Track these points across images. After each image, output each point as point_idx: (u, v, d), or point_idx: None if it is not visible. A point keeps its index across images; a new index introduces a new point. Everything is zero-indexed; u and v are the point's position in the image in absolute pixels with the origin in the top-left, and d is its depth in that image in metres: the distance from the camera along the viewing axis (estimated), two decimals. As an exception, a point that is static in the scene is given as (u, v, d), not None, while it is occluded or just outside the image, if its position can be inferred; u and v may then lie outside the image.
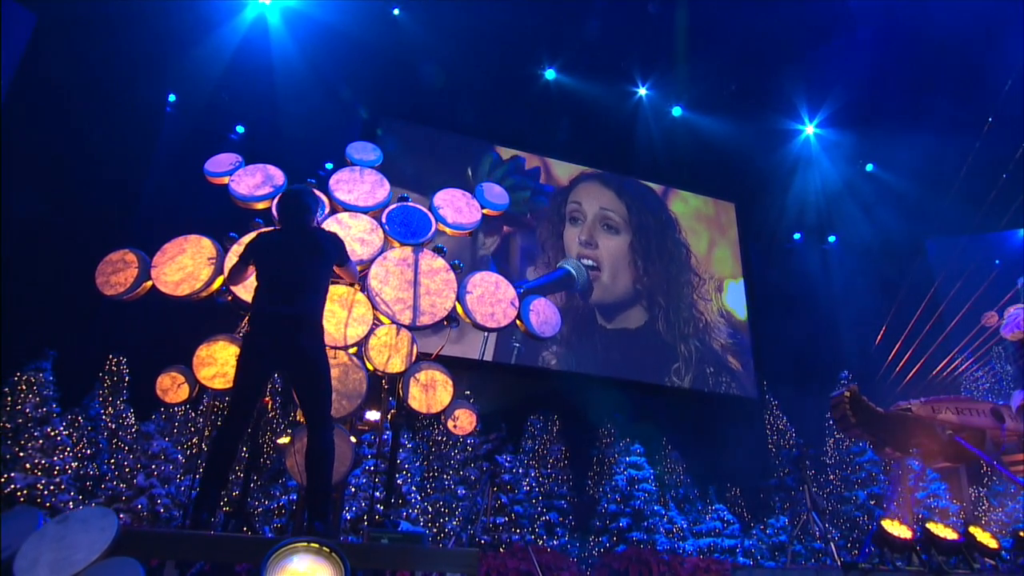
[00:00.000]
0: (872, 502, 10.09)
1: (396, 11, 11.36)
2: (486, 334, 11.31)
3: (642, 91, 13.48)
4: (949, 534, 4.11)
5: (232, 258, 4.20)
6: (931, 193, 11.93)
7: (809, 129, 14.38)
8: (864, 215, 14.76)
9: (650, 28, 12.01)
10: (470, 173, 13.38)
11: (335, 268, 3.72)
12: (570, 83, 13.03)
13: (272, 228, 3.90)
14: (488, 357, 11.76)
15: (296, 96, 11.62)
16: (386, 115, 13.09)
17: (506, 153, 13.90)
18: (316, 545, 2.09)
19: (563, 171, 14.22)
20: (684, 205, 15.27)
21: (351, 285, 4.26)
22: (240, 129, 12.58)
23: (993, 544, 4.19)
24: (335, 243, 3.63)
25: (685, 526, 9.36)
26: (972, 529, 4.23)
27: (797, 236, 16.35)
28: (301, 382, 3.27)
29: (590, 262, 13.33)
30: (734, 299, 14.76)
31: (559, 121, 13.48)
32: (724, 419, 12.74)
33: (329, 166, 5.08)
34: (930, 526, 4.15)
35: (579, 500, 10.45)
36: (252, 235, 3.78)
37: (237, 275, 3.65)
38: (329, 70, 11.86)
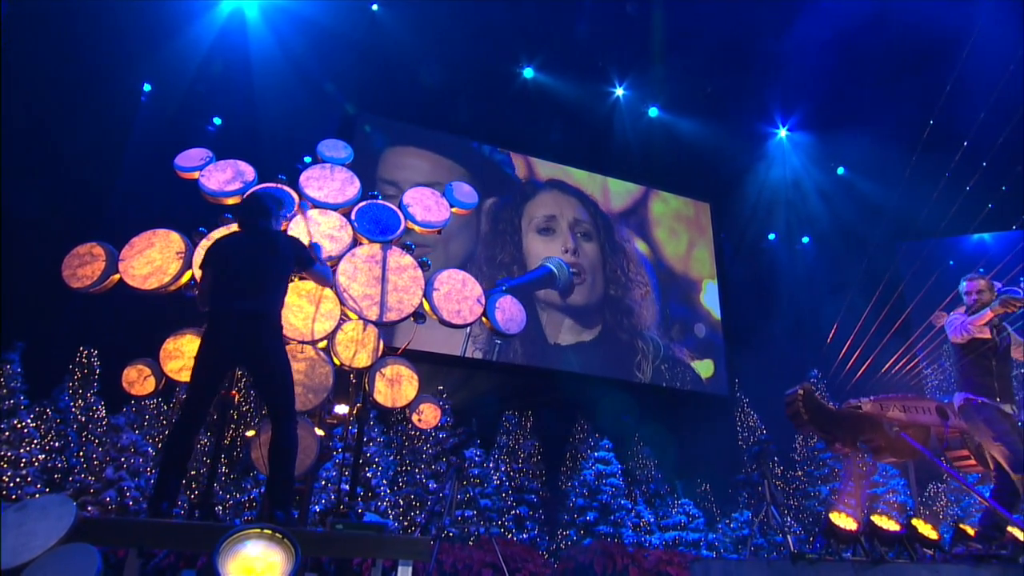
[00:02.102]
0: (834, 497, 10.42)
1: (375, 7, 11.38)
2: (468, 330, 11.40)
3: (619, 91, 13.65)
4: (892, 526, 4.30)
5: (196, 269, 4.18)
6: (899, 196, 12.26)
7: (782, 132, 14.69)
8: (838, 217, 15.11)
9: (628, 29, 12.17)
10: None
11: (304, 272, 3.74)
12: (548, 82, 13.15)
13: (227, 233, 3.90)
14: (471, 354, 11.87)
15: (275, 90, 11.59)
16: (366, 111, 13.10)
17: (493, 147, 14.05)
18: (269, 531, 2.18)
19: (545, 168, 14.35)
20: (664, 205, 15.52)
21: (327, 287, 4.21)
22: (217, 121, 12.50)
23: (933, 535, 4.39)
24: (294, 246, 3.65)
25: (652, 520, 9.57)
26: (914, 521, 4.43)
27: (772, 236, 16.69)
28: (261, 378, 3.32)
29: (575, 270, 13.58)
30: (711, 298, 15.06)
31: (538, 119, 13.59)
32: (696, 416, 13.01)
33: (308, 159, 5.13)
34: (874, 518, 4.34)
35: (551, 495, 10.61)
36: (208, 242, 3.78)
37: (204, 283, 3.60)
38: (308, 65, 11.83)
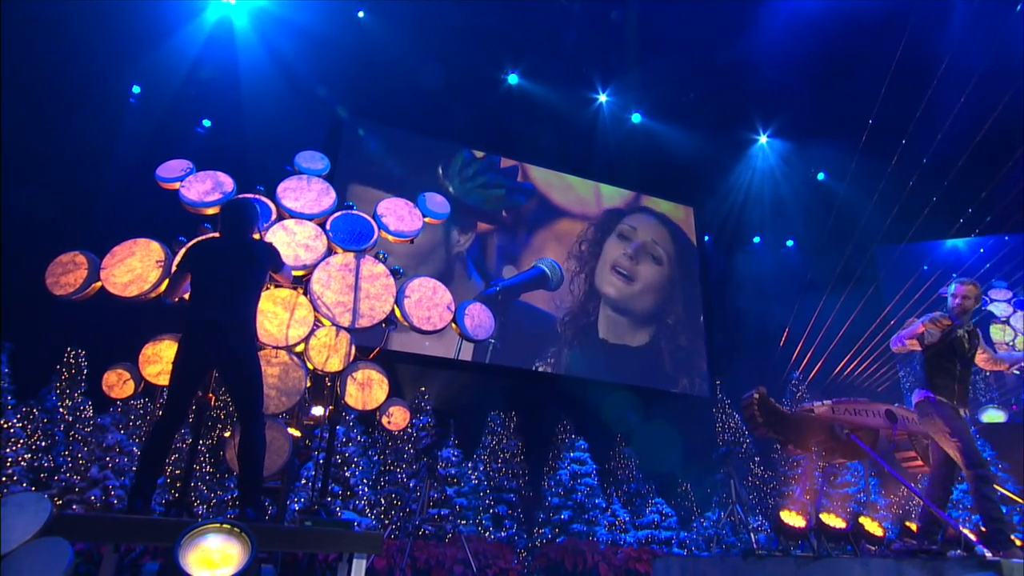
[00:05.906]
0: (807, 497, 10.66)
1: (361, 13, 11.56)
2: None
3: (602, 97, 13.88)
4: (838, 523, 4.53)
5: (173, 269, 4.38)
6: (872, 201, 12.54)
7: (763, 138, 14.96)
8: (819, 221, 15.35)
9: (611, 36, 12.39)
10: (440, 171, 13.67)
11: (272, 274, 3.94)
12: (532, 88, 13.35)
13: (209, 237, 4.06)
14: (464, 356, 12.05)
15: (263, 95, 11.72)
16: (354, 115, 13.25)
17: (480, 152, 14.22)
18: (228, 526, 2.37)
19: (539, 173, 14.60)
20: (655, 208, 15.82)
21: (292, 288, 4.47)
22: (207, 123, 12.63)
23: (879, 532, 4.62)
24: (268, 252, 3.83)
25: (627, 519, 9.79)
26: (861, 519, 4.66)
27: (756, 239, 16.94)
28: (232, 382, 3.49)
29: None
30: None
31: (523, 124, 13.79)
32: (680, 417, 13.22)
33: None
34: (822, 516, 4.57)
35: (533, 494, 10.80)
36: (188, 245, 3.94)
37: (177, 286, 3.72)
38: (296, 69, 11.96)
